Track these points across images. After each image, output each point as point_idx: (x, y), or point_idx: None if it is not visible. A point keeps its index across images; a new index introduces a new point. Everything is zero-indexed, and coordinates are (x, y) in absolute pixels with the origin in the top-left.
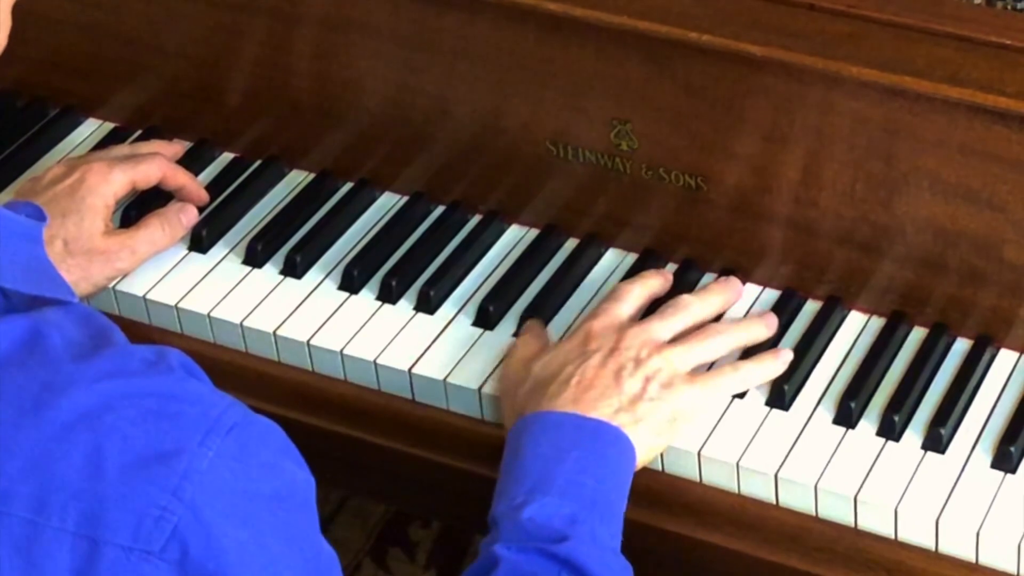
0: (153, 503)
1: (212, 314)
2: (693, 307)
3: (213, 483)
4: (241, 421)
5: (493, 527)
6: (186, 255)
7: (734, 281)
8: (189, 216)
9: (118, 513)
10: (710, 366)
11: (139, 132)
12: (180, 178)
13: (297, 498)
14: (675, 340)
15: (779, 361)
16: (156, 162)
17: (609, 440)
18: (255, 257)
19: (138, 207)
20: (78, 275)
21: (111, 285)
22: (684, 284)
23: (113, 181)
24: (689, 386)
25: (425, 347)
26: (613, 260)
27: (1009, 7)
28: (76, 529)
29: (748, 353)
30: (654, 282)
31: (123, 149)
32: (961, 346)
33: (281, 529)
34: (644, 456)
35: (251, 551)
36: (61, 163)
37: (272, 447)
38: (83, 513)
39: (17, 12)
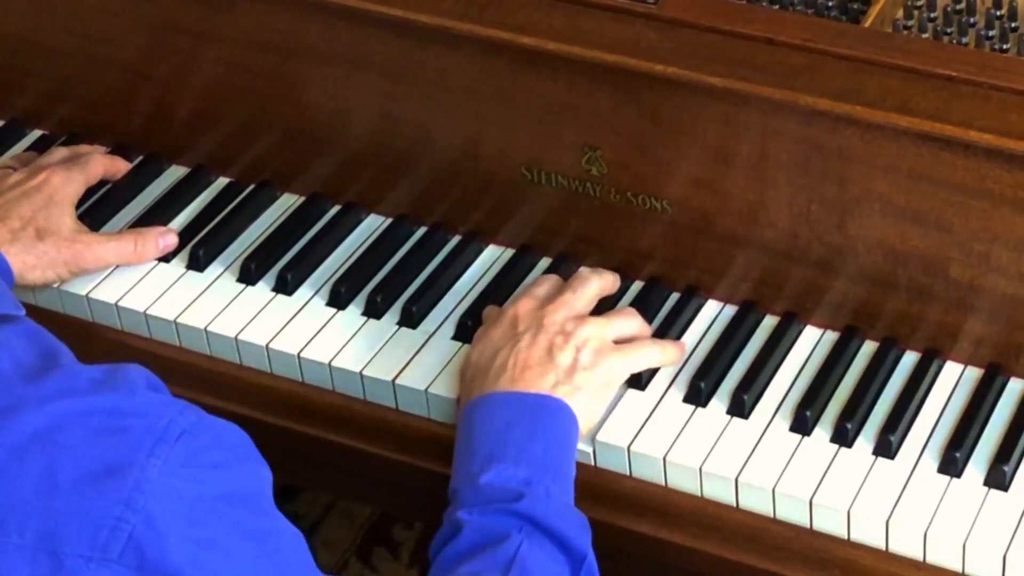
0: (107, 514)
1: (209, 328)
2: (594, 281)
3: (164, 491)
4: (190, 427)
5: (453, 497)
6: (184, 273)
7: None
8: (168, 242)
9: (74, 526)
10: None
11: (140, 158)
12: (118, 165)
13: (251, 492)
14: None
15: (682, 348)
16: (100, 161)
17: (552, 410)
18: (249, 275)
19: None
20: (46, 261)
21: (113, 300)
22: (647, 303)
23: (75, 180)
24: (617, 352)
25: (408, 359)
26: None
27: (954, 41)
28: (36, 544)
29: None
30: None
31: (62, 151)
32: (910, 359)
33: (234, 527)
34: (587, 420)
35: (206, 551)
36: (17, 169)
37: (223, 447)
38: (40, 528)
39: (24, 45)
